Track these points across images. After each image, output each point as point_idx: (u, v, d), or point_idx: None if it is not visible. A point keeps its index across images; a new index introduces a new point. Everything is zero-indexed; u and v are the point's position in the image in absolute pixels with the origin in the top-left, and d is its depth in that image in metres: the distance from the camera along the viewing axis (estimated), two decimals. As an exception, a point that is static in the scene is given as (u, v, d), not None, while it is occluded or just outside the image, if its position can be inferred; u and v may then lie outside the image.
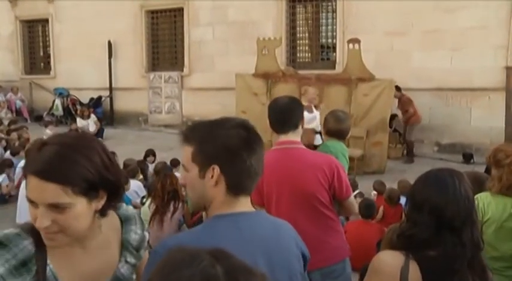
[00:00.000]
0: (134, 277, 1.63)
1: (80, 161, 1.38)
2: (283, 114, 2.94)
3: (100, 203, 1.45)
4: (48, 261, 1.44)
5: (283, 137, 2.94)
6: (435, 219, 1.85)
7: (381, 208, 6.17)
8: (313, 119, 7.80)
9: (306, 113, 7.76)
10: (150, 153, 9.09)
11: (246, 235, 1.48)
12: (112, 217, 1.60)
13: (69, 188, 1.35)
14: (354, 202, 3.06)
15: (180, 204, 5.67)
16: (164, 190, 5.59)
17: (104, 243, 1.55)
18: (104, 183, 1.42)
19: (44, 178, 1.34)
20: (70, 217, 1.38)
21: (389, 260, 1.88)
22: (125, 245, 1.61)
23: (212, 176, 1.51)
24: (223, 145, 1.51)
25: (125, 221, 1.64)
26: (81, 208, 1.39)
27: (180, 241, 1.48)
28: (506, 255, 3.00)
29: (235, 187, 1.54)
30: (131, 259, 1.62)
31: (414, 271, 1.81)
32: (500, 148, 3.20)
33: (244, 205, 1.56)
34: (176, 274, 0.88)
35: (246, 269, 0.91)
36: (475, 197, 2.77)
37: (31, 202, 1.38)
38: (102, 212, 1.49)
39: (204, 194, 1.56)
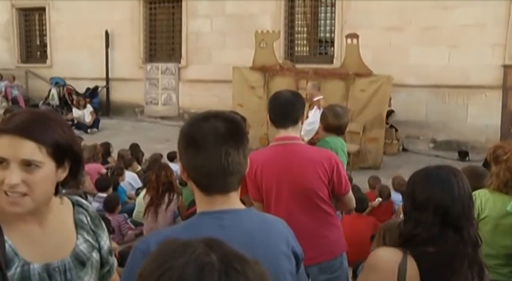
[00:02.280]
0: (95, 255, 1.67)
1: (53, 126, 1.48)
2: (283, 109, 2.90)
3: (63, 174, 1.53)
4: (6, 238, 1.46)
5: (283, 132, 2.90)
6: (440, 218, 1.84)
7: (379, 199, 6.18)
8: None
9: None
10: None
11: (229, 233, 1.43)
12: (65, 200, 1.66)
13: (43, 148, 1.43)
14: (352, 197, 3.05)
15: (175, 196, 5.66)
16: (159, 182, 5.58)
17: (60, 221, 1.59)
18: (70, 153, 1.52)
19: (21, 134, 1.41)
20: (39, 178, 1.44)
21: (387, 256, 1.87)
22: (79, 225, 1.65)
23: (181, 173, 1.54)
24: (180, 142, 1.52)
25: (76, 205, 1.69)
26: (49, 171, 1.46)
27: (161, 238, 1.46)
28: (501, 253, 3.01)
29: (199, 185, 1.52)
30: (89, 237, 1.67)
31: (412, 267, 1.81)
32: (500, 144, 3.22)
33: (221, 202, 1.52)
34: (170, 263, 0.88)
35: (240, 256, 0.91)
36: (473, 193, 2.78)
37: (1, 162, 1.41)
38: (63, 184, 1.57)
39: (191, 189, 1.58)
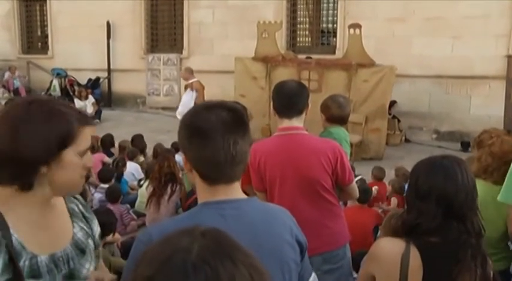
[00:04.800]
0: (90, 242, 1.69)
1: None
2: (289, 99, 2.88)
3: None
4: (13, 231, 1.45)
5: (287, 123, 2.89)
6: (443, 208, 1.82)
7: (394, 199, 6.13)
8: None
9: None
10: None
11: (231, 223, 1.43)
12: None
13: None
14: (355, 187, 3.06)
15: (178, 187, 5.65)
16: (161, 172, 5.57)
17: (57, 211, 1.61)
18: None
19: (93, 124, 1.60)
20: None
21: (390, 247, 1.86)
22: (72, 213, 1.67)
23: (184, 163, 1.54)
24: (184, 133, 1.51)
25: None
26: None
27: (162, 229, 1.46)
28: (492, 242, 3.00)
29: (204, 176, 1.51)
30: (83, 225, 1.69)
31: (415, 258, 1.80)
32: (488, 130, 3.18)
33: (224, 192, 1.52)
34: (160, 244, 0.88)
35: (227, 252, 0.87)
36: None
37: (84, 152, 1.53)
38: None
39: (190, 180, 1.60)
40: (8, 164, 1.43)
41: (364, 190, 5.48)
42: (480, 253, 1.83)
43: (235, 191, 1.54)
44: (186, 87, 9.35)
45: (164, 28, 14.55)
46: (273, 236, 1.54)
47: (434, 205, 1.83)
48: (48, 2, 15.75)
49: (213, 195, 1.51)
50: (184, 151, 1.52)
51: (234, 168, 1.50)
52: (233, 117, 1.49)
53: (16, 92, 15.27)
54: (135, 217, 6.11)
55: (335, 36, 12.16)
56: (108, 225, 4.30)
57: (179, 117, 8.63)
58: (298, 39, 12.77)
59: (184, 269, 0.81)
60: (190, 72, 9.65)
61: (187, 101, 8.84)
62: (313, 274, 1.73)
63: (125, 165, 7.06)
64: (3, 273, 1.39)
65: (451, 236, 1.81)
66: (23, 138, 1.42)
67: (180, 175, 5.89)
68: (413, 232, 1.84)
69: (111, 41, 14.62)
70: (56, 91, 14.98)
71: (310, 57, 10.43)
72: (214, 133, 1.46)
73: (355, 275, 3.23)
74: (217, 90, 12.00)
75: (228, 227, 1.36)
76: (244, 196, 1.58)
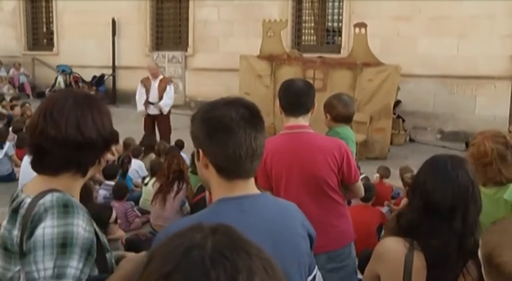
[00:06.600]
0: None
1: None
2: (298, 98, 2.88)
3: None
4: None
5: (293, 121, 2.90)
6: (423, 203, 1.84)
7: (405, 200, 6.12)
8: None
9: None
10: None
11: (250, 218, 1.45)
12: None
13: None
14: (361, 186, 3.07)
15: (184, 185, 5.68)
16: (170, 169, 5.60)
17: None
18: None
19: None
20: None
21: (394, 246, 1.87)
22: None
23: (201, 159, 1.52)
24: (202, 128, 1.51)
25: None
26: None
27: (182, 226, 1.47)
28: None
29: (223, 171, 1.51)
30: None
31: (418, 258, 1.81)
32: (484, 131, 3.19)
33: (242, 188, 1.52)
34: (171, 241, 0.88)
35: (240, 246, 0.87)
36: None
37: None
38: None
39: (203, 177, 1.58)
40: (77, 151, 1.52)
41: (367, 187, 5.47)
42: (477, 253, 1.83)
43: (251, 187, 1.55)
44: (161, 82, 9.17)
45: (169, 25, 14.57)
46: (289, 230, 1.57)
47: (418, 199, 1.86)
48: (53, -2, 15.80)
49: (230, 191, 1.51)
50: (202, 146, 1.51)
51: (254, 162, 1.52)
52: (251, 113, 1.50)
53: (21, 87, 15.35)
54: (139, 214, 6.14)
55: (340, 35, 12.16)
56: (100, 220, 4.29)
57: (166, 109, 8.83)
58: (303, 37, 12.77)
59: (202, 264, 0.82)
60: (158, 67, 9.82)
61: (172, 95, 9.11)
62: (316, 268, 1.75)
63: (129, 162, 7.09)
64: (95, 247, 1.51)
65: (453, 237, 1.82)
66: (101, 125, 1.55)
67: (188, 174, 5.91)
68: (408, 229, 1.86)
69: (116, 38, 14.65)
70: (61, 88, 15.03)
71: (321, 57, 10.39)
72: (237, 127, 1.46)
73: (360, 276, 3.23)
74: (221, 88, 12.02)
75: (247, 222, 1.37)
76: (258, 192, 1.60)
